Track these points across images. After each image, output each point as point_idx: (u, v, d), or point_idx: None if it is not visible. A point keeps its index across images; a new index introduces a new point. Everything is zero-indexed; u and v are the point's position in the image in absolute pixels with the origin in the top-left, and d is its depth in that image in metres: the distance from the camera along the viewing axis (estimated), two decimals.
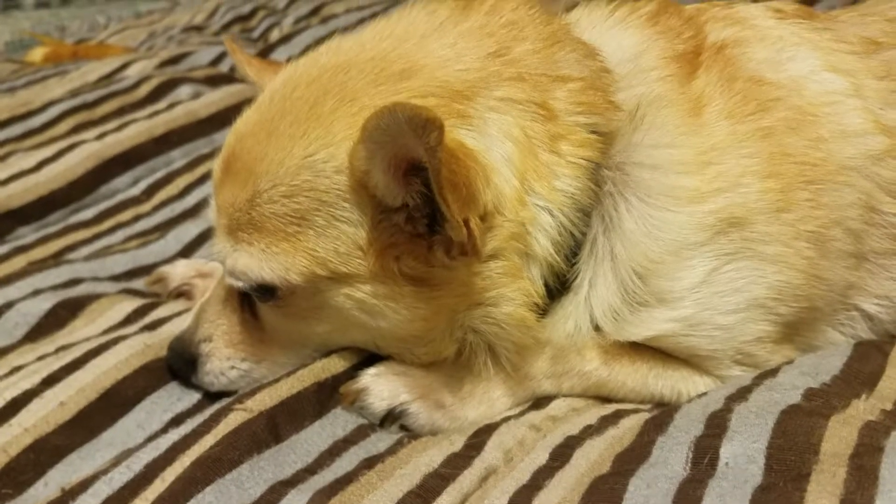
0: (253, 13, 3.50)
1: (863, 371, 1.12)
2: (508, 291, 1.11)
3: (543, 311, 1.15)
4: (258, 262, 1.09)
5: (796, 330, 1.22)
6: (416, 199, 1.04)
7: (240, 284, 1.13)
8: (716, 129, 1.17)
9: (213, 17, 3.55)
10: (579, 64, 1.17)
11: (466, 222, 1.01)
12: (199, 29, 3.45)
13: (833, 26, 1.32)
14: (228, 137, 1.17)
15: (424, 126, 0.91)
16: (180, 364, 1.23)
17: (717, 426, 0.95)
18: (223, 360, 1.21)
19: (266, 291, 1.12)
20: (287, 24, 3.29)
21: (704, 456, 0.90)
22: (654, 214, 1.14)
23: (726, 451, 0.90)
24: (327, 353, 1.21)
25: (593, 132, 1.14)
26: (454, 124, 1.06)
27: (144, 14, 4.02)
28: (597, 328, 1.17)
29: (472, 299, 1.11)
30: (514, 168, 1.09)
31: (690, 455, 0.92)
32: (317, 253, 1.07)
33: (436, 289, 1.10)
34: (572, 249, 1.14)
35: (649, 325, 1.15)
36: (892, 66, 1.25)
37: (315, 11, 3.33)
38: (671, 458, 0.92)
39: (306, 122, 1.08)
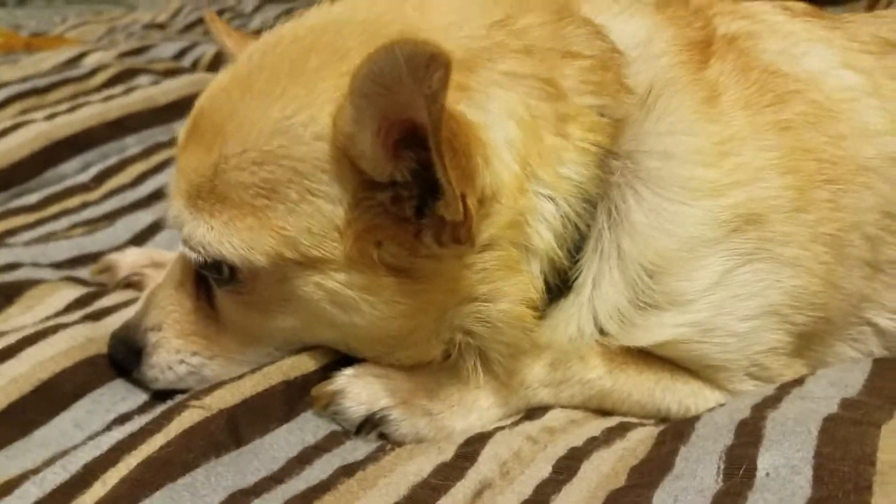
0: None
1: (885, 387, 1.02)
2: (505, 286, 0.99)
3: (541, 314, 1.03)
4: (218, 236, 0.95)
5: (809, 343, 1.13)
6: (406, 176, 0.92)
7: (195, 256, 0.99)
8: (733, 119, 1.08)
9: (176, 17, 3.42)
10: (589, 41, 1.08)
11: (464, 198, 0.89)
12: (161, 27, 3.32)
13: (844, 26, 1.28)
14: (199, 97, 1.04)
15: (427, 64, 0.77)
16: (123, 354, 1.09)
17: (749, 434, 0.85)
18: (171, 352, 1.07)
19: (224, 272, 0.99)
20: (254, 26, 3.18)
21: (739, 466, 0.80)
22: (667, 207, 1.04)
23: (764, 461, 0.80)
24: (296, 352, 1.07)
25: (602, 115, 1.04)
26: (453, 97, 0.94)
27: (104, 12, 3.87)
28: (601, 332, 1.06)
29: (463, 295, 0.99)
30: (515, 152, 0.97)
31: (722, 465, 0.81)
32: (286, 231, 0.94)
33: (421, 282, 0.97)
34: (576, 244, 1.04)
35: (659, 330, 1.05)
36: None
37: (283, 16, 3.22)
38: (699, 469, 0.81)
39: (286, 79, 0.95)
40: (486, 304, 0.99)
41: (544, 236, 1.00)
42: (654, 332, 1.05)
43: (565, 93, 1.02)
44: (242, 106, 0.96)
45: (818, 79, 1.15)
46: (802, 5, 1.30)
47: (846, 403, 0.90)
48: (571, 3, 1.15)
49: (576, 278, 1.05)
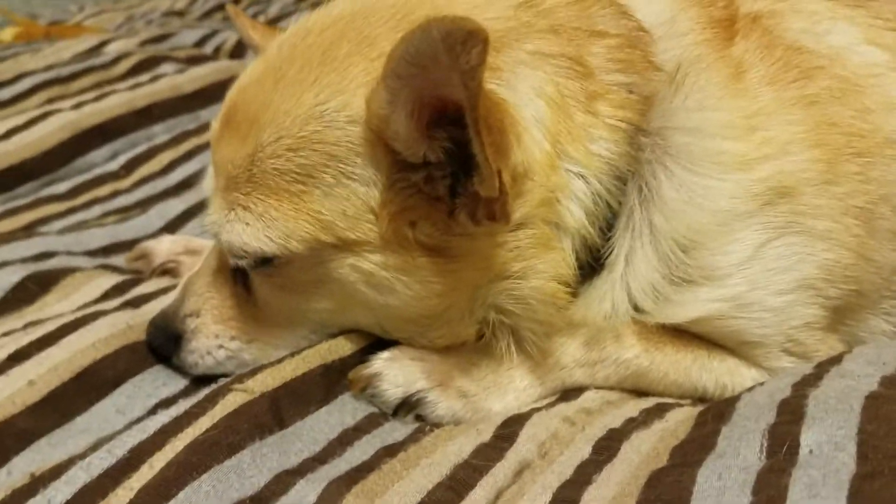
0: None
1: None
2: (538, 263, 1.00)
3: (574, 293, 1.04)
4: (255, 232, 0.97)
5: (842, 317, 1.13)
6: (440, 156, 0.93)
7: (242, 263, 1.01)
8: (760, 94, 1.08)
9: (195, 4, 3.42)
10: (615, 20, 1.08)
11: (500, 174, 0.90)
12: (180, 14, 3.32)
13: (867, 4, 1.27)
14: (230, 90, 1.05)
15: (465, 41, 0.78)
16: (162, 341, 1.10)
17: (791, 413, 0.85)
18: (210, 337, 1.09)
19: (262, 259, 1.00)
20: (272, 12, 3.17)
21: (782, 444, 0.80)
22: (698, 182, 1.04)
23: (807, 438, 0.80)
24: (333, 335, 1.08)
25: (631, 92, 1.04)
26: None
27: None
28: (636, 308, 1.06)
29: (496, 272, 0.99)
30: (545, 129, 0.98)
31: (765, 444, 0.81)
32: (322, 215, 0.96)
33: (454, 261, 0.98)
34: (608, 221, 1.04)
35: (695, 305, 1.05)
36: None
37: (302, 1, 3.21)
38: (742, 448, 0.81)
39: (318, 67, 0.96)
40: (518, 282, 1.00)
41: (576, 214, 1.01)
42: (689, 307, 1.05)
43: (593, 71, 1.02)
44: (276, 95, 0.97)
45: (842, 55, 1.14)
46: None
47: (886, 381, 0.90)
48: None
49: (608, 256, 1.05)
